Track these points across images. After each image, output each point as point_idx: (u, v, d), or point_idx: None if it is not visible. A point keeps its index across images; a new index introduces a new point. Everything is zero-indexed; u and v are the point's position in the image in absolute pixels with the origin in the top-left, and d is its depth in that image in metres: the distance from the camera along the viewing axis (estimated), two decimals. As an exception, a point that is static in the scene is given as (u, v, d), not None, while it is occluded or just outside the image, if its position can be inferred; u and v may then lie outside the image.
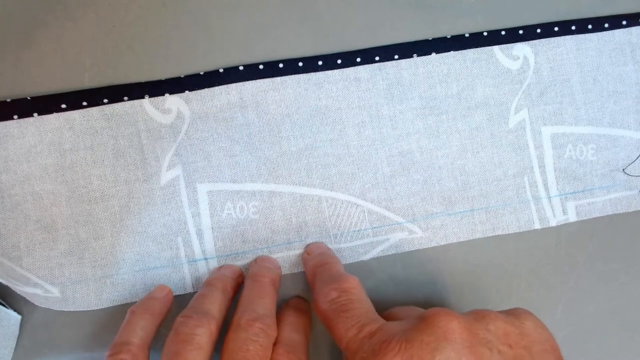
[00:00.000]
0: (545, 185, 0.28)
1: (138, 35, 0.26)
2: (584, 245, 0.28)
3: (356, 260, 0.26)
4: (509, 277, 0.27)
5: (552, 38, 0.28)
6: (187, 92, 0.26)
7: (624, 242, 0.28)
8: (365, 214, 0.26)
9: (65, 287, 0.25)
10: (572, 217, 0.28)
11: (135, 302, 0.26)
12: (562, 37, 0.28)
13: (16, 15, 0.26)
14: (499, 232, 0.27)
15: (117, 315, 0.26)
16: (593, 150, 0.28)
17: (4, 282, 0.25)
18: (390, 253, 0.26)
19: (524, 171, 0.28)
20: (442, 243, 0.27)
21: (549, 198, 0.28)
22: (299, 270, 0.26)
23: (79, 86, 0.26)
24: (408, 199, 0.27)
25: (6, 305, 0.25)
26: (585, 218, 0.28)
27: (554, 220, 0.28)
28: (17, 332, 0.26)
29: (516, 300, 0.27)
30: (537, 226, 0.28)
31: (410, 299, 0.27)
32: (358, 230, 0.26)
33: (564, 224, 0.28)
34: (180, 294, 0.26)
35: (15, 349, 0.25)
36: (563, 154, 0.28)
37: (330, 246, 0.26)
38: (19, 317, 0.26)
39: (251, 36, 0.26)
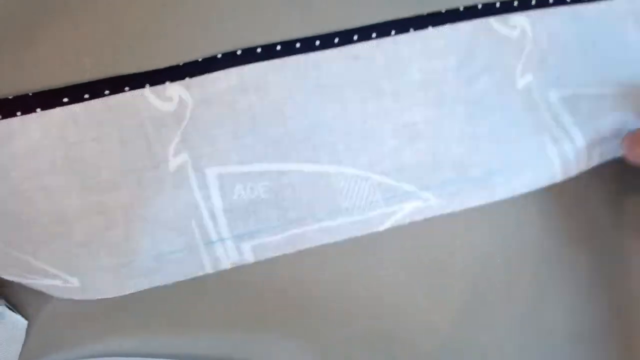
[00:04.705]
0: (570, 138, 0.27)
1: (138, 34, 0.25)
2: (584, 245, 0.28)
3: (371, 231, 0.27)
4: (509, 277, 0.27)
5: (547, 8, 0.28)
6: (187, 78, 0.26)
7: (625, 242, 0.28)
8: (376, 186, 0.27)
9: (83, 276, 0.25)
10: (595, 160, 0.28)
11: (154, 288, 0.26)
12: (558, 6, 0.28)
13: (16, 15, 0.25)
14: (521, 191, 0.27)
15: (123, 319, 0.26)
16: (606, 104, 0.28)
17: (20, 280, 0.25)
18: (405, 222, 0.27)
19: (542, 129, 0.28)
20: (459, 208, 0.27)
21: (575, 148, 0.27)
22: (312, 246, 0.27)
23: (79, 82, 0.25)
24: (419, 168, 0.27)
25: (13, 310, 0.26)
26: (602, 161, 0.28)
27: (575, 167, 0.28)
28: (23, 337, 0.26)
29: (516, 300, 0.27)
30: (559, 177, 0.27)
31: (409, 301, 0.27)
32: (370, 202, 0.27)
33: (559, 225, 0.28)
34: (199, 275, 0.26)
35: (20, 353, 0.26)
36: (578, 106, 0.27)
37: (342, 220, 0.27)
38: (26, 322, 0.26)
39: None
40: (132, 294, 0.26)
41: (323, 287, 0.27)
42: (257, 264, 0.26)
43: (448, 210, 0.27)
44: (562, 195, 0.28)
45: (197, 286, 0.26)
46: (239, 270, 0.26)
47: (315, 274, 0.27)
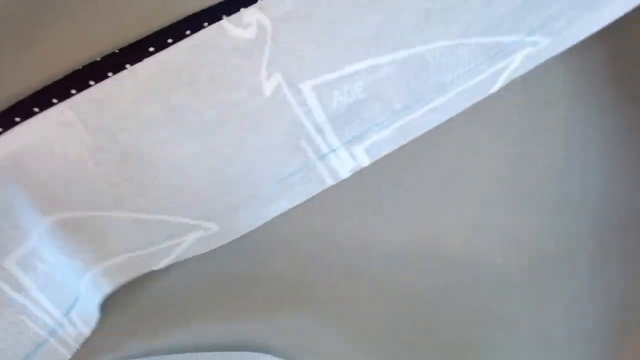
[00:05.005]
0: None
1: (138, 35, 0.25)
2: (584, 245, 0.28)
3: (483, 96, 0.26)
4: (509, 277, 0.27)
5: None
6: (259, 1, 0.26)
7: (624, 242, 0.28)
8: (475, 49, 0.26)
9: (220, 218, 0.26)
10: None
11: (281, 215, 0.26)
12: None
13: (16, 15, 0.25)
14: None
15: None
16: None
17: (167, 259, 0.26)
18: (518, 74, 0.26)
19: None
20: (576, 41, 0.26)
21: None
22: (425, 131, 0.27)
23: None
24: (515, 16, 0.26)
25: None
26: None
27: None
28: None
29: (516, 300, 0.27)
30: None
31: (410, 304, 0.27)
32: (474, 67, 0.26)
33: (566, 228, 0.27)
34: (321, 190, 0.27)
35: None
36: None
37: (449, 95, 0.26)
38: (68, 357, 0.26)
39: None
40: (145, 294, 0.27)
41: (333, 270, 0.28)
42: (267, 249, 0.27)
43: (564, 47, 0.26)
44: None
45: (210, 273, 0.27)
46: (248, 258, 0.27)
47: (321, 257, 0.28)
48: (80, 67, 0.24)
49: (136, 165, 0.25)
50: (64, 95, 0.25)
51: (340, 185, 0.26)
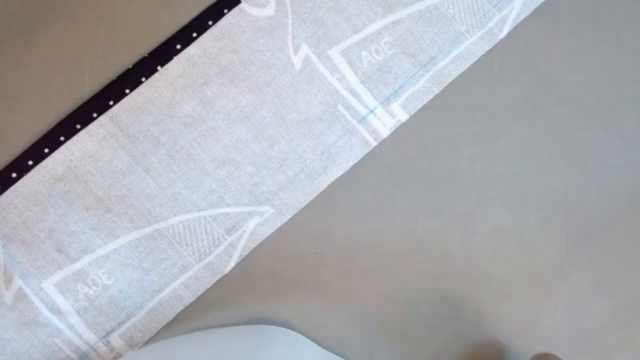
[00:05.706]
0: None
1: (138, 35, 0.25)
2: (583, 246, 0.28)
3: (497, 40, 0.27)
4: (509, 278, 0.27)
5: None
6: None
7: (623, 242, 0.28)
8: None
9: (272, 200, 0.26)
10: None
11: (330, 184, 0.26)
12: None
13: (16, 16, 0.25)
14: None
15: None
16: None
17: (234, 257, 0.26)
18: (521, 19, 0.27)
19: None
20: None
21: None
22: (453, 78, 0.27)
23: (80, 88, 0.25)
24: None
25: None
26: None
27: None
28: None
29: (516, 300, 0.27)
30: None
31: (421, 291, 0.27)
32: (484, 15, 0.27)
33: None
34: (367, 152, 0.27)
35: None
36: None
37: (467, 42, 0.26)
38: None
39: None
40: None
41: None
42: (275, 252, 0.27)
43: None
44: None
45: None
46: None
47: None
48: (115, 78, 0.25)
49: (183, 162, 0.25)
50: (102, 108, 0.25)
51: (340, 187, 0.27)
